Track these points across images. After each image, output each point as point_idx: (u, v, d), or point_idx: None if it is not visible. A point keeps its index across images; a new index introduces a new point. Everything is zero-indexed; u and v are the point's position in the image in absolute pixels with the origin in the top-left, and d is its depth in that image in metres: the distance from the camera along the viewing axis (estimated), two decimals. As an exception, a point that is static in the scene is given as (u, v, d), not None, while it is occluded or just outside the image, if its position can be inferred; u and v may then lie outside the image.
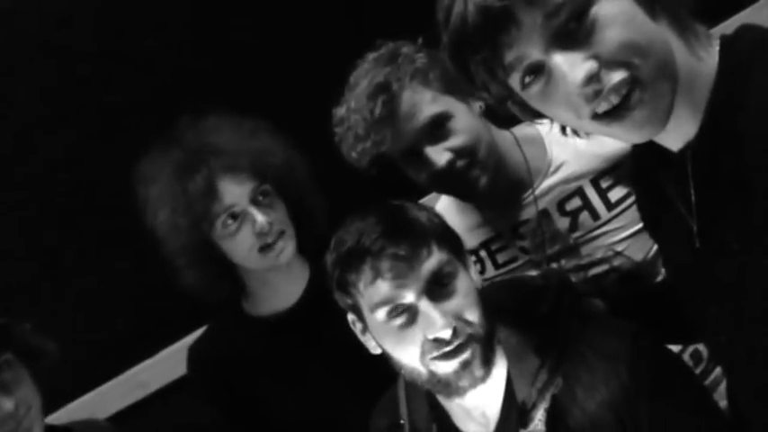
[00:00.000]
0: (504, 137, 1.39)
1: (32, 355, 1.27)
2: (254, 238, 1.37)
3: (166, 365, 1.89)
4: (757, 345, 0.85)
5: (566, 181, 1.37)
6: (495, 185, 1.33)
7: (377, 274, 1.03)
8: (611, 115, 0.81)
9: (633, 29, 0.80)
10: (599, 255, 1.33)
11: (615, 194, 1.33)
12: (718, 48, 0.86)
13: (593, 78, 0.79)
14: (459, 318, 1.03)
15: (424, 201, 1.60)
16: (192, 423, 1.74)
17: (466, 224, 1.45)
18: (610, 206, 1.34)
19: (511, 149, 1.39)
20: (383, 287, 1.03)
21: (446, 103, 1.28)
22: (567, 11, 0.79)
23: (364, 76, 1.29)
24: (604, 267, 1.33)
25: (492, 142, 1.33)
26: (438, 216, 1.13)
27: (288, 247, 1.40)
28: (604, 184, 1.34)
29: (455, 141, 1.28)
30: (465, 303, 1.05)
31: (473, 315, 1.05)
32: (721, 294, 0.87)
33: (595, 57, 0.79)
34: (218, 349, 1.53)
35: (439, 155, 1.28)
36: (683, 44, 0.84)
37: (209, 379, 1.53)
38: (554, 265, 1.37)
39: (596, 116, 0.81)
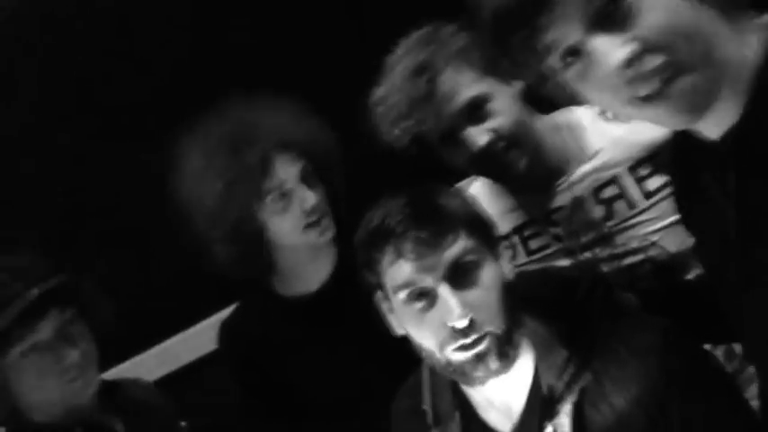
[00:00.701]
0: (542, 121, 1.38)
1: (93, 312, 1.31)
2: (302, 215, 1.39)
3: (199, 340, 1.93)
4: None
5: (602, 168, 1.35)
6: (533, 169, 1.32)
7: (399, 255, 1.03)
8: (652, 100, 0.79)
9: (675, 13, 0.78)
10: (634, 244, 1.32)
11: (652, 183, 1.31)
12: (765, 34, 0.84)
13: (633, 61, 0.77)
14: (477, 309, 1.02)
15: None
16: (220, 397, 1.77)
17: (499, 208, 1.44)
18: (647, 195, 1.32)
19: (549, 134, 1.37)
20: (405, 268, 1.03)
21: (487, 85, 1.28)
22: None
23: (406, 55, 1.29)
24: (639, 257, 1.31)
25: (532, 126, 1.32)
26: (472, 203, 1.12)
27: (331, 227, 1.43)
28: (642, 173, 1.32)
29: (495, 122, 1.28)
30: (486, 295, 1.04)
31: (493, 308, 1.04)
32: (757, 288, 0.86)
33: (636, 39, 0.77)
34: (247, 326, 1.55)
35: (478, 135, 1.28)
36: (727, 29, 0.82)
37: (237, 355, 1.55)
38: (587, 254, 1.35)
39: (636, 100, 0.80)
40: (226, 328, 1.58)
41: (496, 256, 1.10)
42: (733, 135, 0.84)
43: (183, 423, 1.53)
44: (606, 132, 1.35)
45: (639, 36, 0.78)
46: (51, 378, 1.23)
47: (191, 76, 1.93)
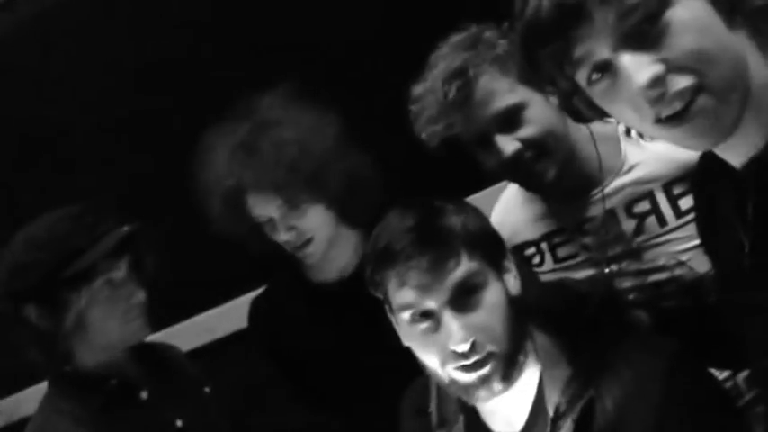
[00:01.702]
0: (579, 131, 1.37)
1: (146, 265, 1.42)
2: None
3: (233, 315, 1.99)
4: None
5: (637, 183, 1.34)
6: (563, 179, 1.31)
7: (402, 282, 1.04)
8: (674, 120, 0.79)
9: (706, 36, 0.78)
10: (661, 261, 1.30)
11: (686, 203, 1.29)
12: None
13: (658, 82, 0.77)
14: (480, 331, 1.02)
15: (495, 188, 1.62)
16: (249, 372, 1.83)
17: (531, 214, 1.45)
18: (679, 214, 1.31)
19: (585, 144, 1.37)
20: (408, 294, 1.04)
21: (522, 93, 1.27)
22: (640, 12, 0.78)
23: (443, 59, 1.30)
24: (665, 275, 1.30)
25: (565, 136, 1.31)
26: (479, 220, 1.11)
27: (315, 252, 1.49)
28: (676, 191, 1.31)
29: (526, 132, 1.28)
30: (489, 317, 1.04)
31: (497, 330, 1.04)
32: (764, 318, 0.86)
33: (663, 60, 0.77)
34: (273, 306, 1.61)
35: (508, 144, 1.27)
36: (759, 56, 0.81)
37: (263, 332, 1.61)
38: (614, 267, 1.35)
39: (659, 120, 0.80)
40: (254, 305, 1.65)
41: (501, 273, 1.10)
42: (755, 164, 0.84)
43: (206, 389, 1.59)
44: (645, 147, 1.34)
45: (668, 57, 0.78)
46: (118, 313, 1.35)
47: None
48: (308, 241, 1.48)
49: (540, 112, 1.28)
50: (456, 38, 1.33)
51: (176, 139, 1.89)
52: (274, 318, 1.60)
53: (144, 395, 1.43)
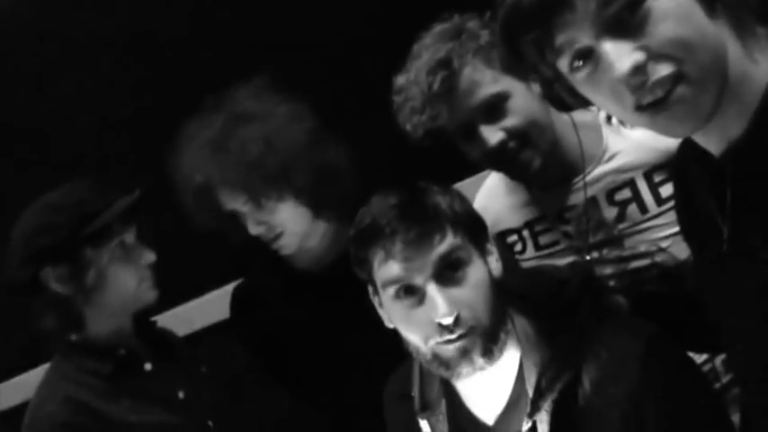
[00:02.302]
0: (562, 120, 1.38)
1: (145, 233, 1.50)
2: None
3: (211, 307, 2.00)
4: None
5: (618, 170, 1.35)
6: (547, 168, 1.32)
7: (388, 256, 1.05)
8: (654, 107, 0.80)
9: (687, 24, 0.78)
10: (642, 248, 1.31)
11: (667, 190, 1.31)
12: None
13: (639, 70, 0.78)
14: (464, 306, 1.04)
15: (479, 176, 1.62)
16: (229, 364, 1.83)
17: (513, 202, 1.46)
18: (660, 201, 1.32)
19: (567, 133, 1.37)
20: (394, 267, 1.05)
21: (505, 83, 1.28)
22: (622, 0, 0.79)
23: (427, 49, 1.30)
24: (646, 262, 1.31)
25: (549, 125, 1.32)
26: (463, 203, 1.13)
27: (287, 245, 1.49)
28: (657, 179, 1.32)
29: (510, 122, 1.28)
30: (473, 293, 1.06)
31: (480, 306, 1.06)
32: (744, 303, 0.86)
33: (644, 48, 0.78)
34: (255, 293, 1.62)
35: (492, 134, 1.28)
36: (739, 45, 0.82)
37: (245, 319, 1.62)
38: (595, 254, 1.36)
39: (640, 108, 0.81)
40: (236, 293, 1.66)
41: (485, 254, 1.11)
42: (733, 152, 0.85)
43: (203, 368, 1.64)
44: (626, 135, 1.35)
45: (649, 45, 0.78)
46: (132, 271, 1.44)
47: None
48: (279, 235, 1.48)
49: (524, 102, 1.29)
50: (439, 28, 1.32)
51: (156, 131, 1.91)
52: (255, 305, 1.61)
53: (148, 366, 1.48)
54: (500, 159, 1.32)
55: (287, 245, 1.50)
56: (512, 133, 1.28)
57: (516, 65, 0.93)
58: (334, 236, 1.56)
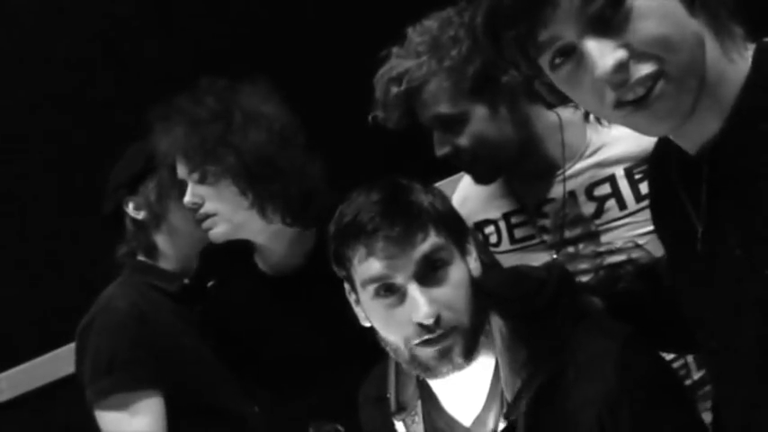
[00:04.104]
0: (545, 117, 1.39)
1: None
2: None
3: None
4: (745, 355, 0.85)
5: (599, 165, 1.36)
6: (522, 164, 1.35)
7: (369, 253, 1.03)
8: (634, 105, 0.80)
9: (668, 23, 0.79)
10: (618, 244, 1.33)
11: (646, 187, 1.31)
12: (754, 58, 0.84)
13: (621, 67, 0.78)
14: (445, 307, 1.03)
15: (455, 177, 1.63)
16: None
17: (491, 192, 1.46)
18: (639, 198, 1.32)
19: (550, 131, 1.38)
20: (375, 265, 1.03)
21: (465, 106, 1.30)
22: None
23: (397, 57, 1.32)
24: (621, 258, 1.32)
25: (509, 141, 1.33)
26: (444, 201, 1.12)
27: (216, 228, 1.50)
28: (637, 175, 1.33)
29: (460, 141, 1.32)
30: (454, 293, 1.05)
31: (460, 306, 1.05)
32: (717, 300, 0.87)
33: (626, 46, 0.78)
34: (224, 293, 1.66)
35: (441, 145, 1.34)
36: (716, 44, 0.83)
37: (215, 317, 1.64)
38: (571, 249, 1.37)
39: (620, 104, 0.81)
40: (207, 293, 1.69)
41: (465, 254, 1.10)
42: (709, 151, 0.86)
43: None
44: (609, 131, 1.35)
45: (631, 42, 0.79)
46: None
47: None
48: (211, 216, 1.49)
49: (480, 127, 1.32)
50: (418, 38, 1.32)
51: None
52: (225, 304, 1.64)
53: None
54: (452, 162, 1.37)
55: (218, 232, 1.50)
56: (459, 150, 1.33)
57: (497, 59, 0.93)
58: (301, 241, 1.56)
